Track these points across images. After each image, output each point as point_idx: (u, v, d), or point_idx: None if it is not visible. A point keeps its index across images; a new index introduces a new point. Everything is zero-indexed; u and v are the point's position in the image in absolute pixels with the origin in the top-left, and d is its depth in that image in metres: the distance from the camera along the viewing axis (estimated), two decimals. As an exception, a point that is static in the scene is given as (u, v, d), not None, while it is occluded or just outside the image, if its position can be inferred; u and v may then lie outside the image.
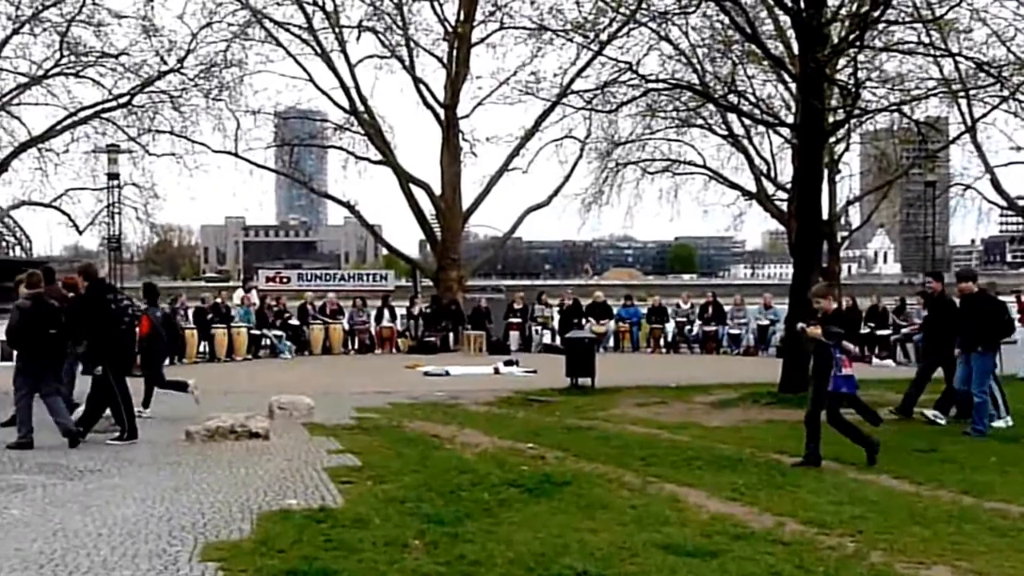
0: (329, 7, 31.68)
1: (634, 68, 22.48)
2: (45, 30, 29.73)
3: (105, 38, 30.19)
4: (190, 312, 26.11)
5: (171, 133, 32.34)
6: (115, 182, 32.94)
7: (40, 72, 30.22)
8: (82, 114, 31.49)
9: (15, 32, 29.40)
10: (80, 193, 33.66)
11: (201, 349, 25.93)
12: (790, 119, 27.50)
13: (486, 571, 6.63)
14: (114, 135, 32.41)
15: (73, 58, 30.32)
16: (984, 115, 33.23)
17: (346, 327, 28.88)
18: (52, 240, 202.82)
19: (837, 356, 10.92)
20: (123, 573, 6.64)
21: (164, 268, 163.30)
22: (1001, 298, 25.99)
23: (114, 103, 31.57)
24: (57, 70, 30.35)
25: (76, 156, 32.72)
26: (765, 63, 25.24)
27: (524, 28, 31.12)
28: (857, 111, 20.39)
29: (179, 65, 30.96)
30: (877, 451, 10.97)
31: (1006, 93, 26.51)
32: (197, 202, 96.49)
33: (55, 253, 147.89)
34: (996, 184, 37.11)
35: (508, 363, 23.44)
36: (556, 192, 36.28)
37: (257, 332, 26.90)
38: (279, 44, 31.97)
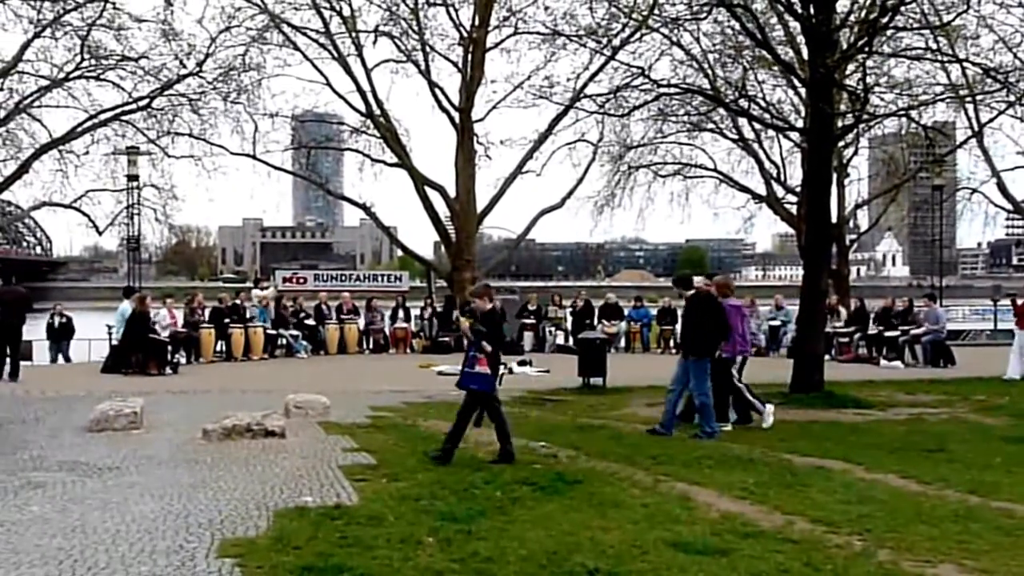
0: (346, 12, 31.78)
1: (646, 73, 22.54)
2: (66, 34, 29.72)
3: (125, 42, 30.20)
4: (207, 312, 26.13)
5: (190, 135, 32.40)
6: (134, 183, 33.06)
7: (61, 75, 30.17)
8: (102, 117, 31.42)
9: (36, 36, 29.39)
10: (100, 194, 33.53)
11: (218, 349, 25.96)
12: (800, 123, 27.44)
13: (499, 568, 6.61)
14: (134, 137, 32.49)
15: (94, 61, 30.26)
16: (991, 120, 33.35)
17: (361, 327, 28.93)
18: (72, 241, 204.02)
19: (471, 354, 10.96)
20: (141, 569, 6.64)
21: (182, 268, 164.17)
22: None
23: (134, 106, 31.53)
24: (78, 73, 30.29)
25: (96, 158, 32.69)
26: (775, 68, 25.24)
27: (538, 33, 31.19)
28: (866, 116, 20.38)
29: (198, 69, 30.96)
30: (447, 460, 10.63)
31: (1012, 98, 26.39)
32: (215, 203, 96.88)
33: (75, 253, 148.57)
34: (1002, 188, 37.07)
35: (521, 363, 23.40)
36: (569, 194, 36.37)
37: (273, 332, 26.93)
38: (297, 48, 32.06)
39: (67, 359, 26.65)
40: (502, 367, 11.55)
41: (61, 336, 26.99)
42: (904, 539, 7.53)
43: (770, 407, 14.30)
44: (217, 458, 11.02)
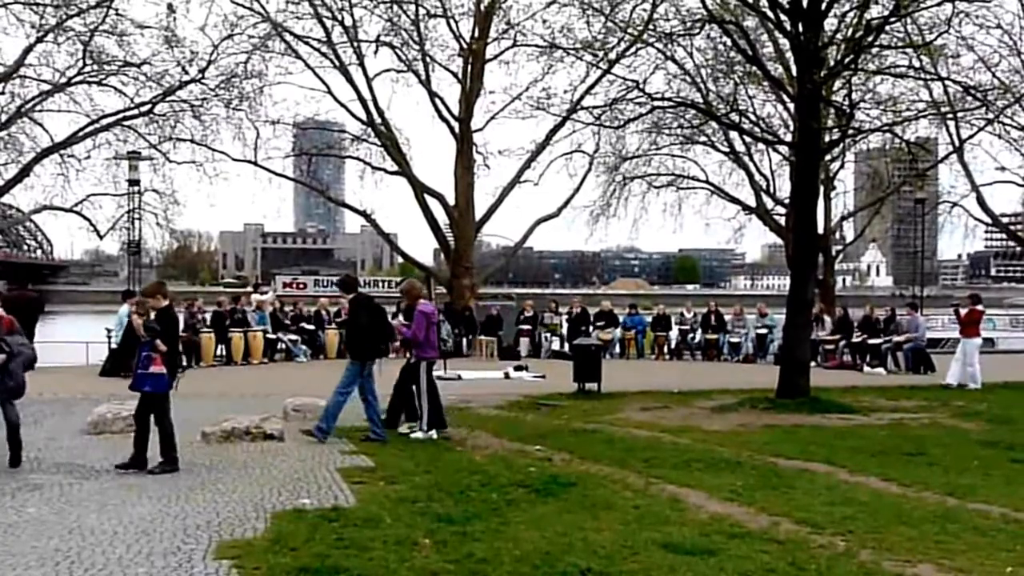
0: (348, 22, 31.67)
1: (641, 86, 22.61)
2: (69, 39, 29.29)
3: (128, 48, 29.81)
4: (207, 316, 26.04)
5: (192, 141, 31.99)
6: (136, 188, 32.72)
7: (63, 80, 29.77)
8: (104, 121, 31.10)
9: (39, 40, 28.95)
10: (101, 199, 33.08)
11: (218, 352, 25.81)
12: (788, 137, 27.43)
13: (493, 569, 6.64)
14: (135, 142, 32.14)
15: (96, 67, 29.87)
16: (971, 136, 33.44)
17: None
18: (73, 244, 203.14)
19: (144, 354, 10.46)
20: (138, 570, 6.63)
21: (183, 273, 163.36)
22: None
23: (136, 111, 31.19)
24: (80, 78, 29.89)
25: (98, 162, 32.40)
26: (765, 84, 25.30)
27: (536, 46, 31.09)
28: (851, 131, 20.42)
29: (200, 75, 30.66)
30: (141, 465, 10.33)
31: (991, 116, 26.60)
32: (216, 209, 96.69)
33: (76, 257, 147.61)
34: (982, 202, 37.12)
35: (518, 368, 23.42)
36: (566, 204, 36.29)
37: (273, 336, 26.86)
38: (298, 57, 31.88)
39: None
40: (179, 371, 11.02)
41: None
42: (885, 539, 7.58)
43: (434, 433, 13.18)
44: (215, 461, 11.03)
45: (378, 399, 13.06)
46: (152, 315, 10.72)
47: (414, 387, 13.51)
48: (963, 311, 22.42)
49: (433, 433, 13.13)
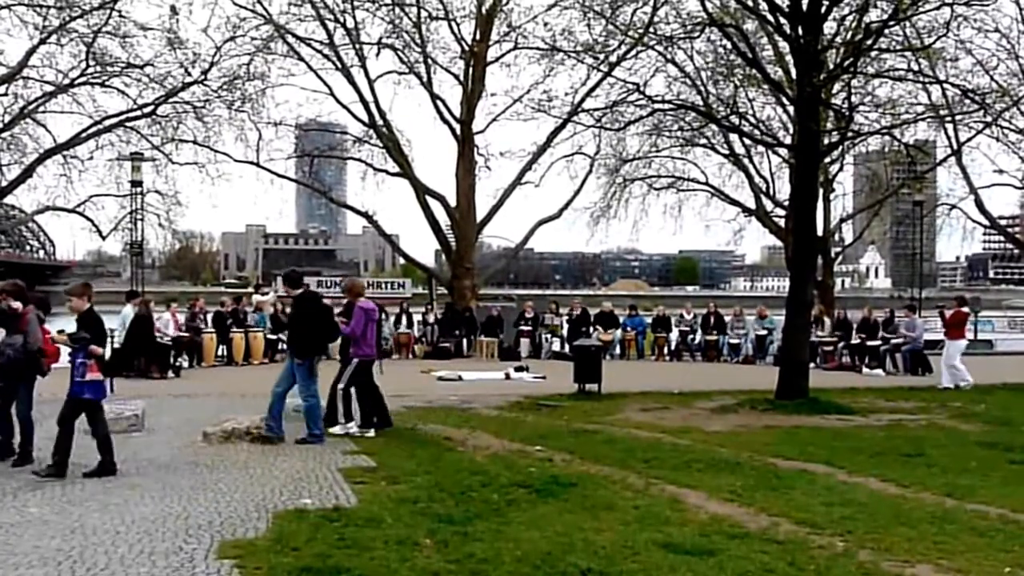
0: (350, 24, 31.71)
1: (641, 89, 22.66)
2: (72, 40, 29.24)
3: (131, 49, 29.77)
4: (209, 316, 26.01)
5: (194, 143, 31.97)
6: (138, 189, 32.65)
7: (66, 81, 29.67)
8: (107, 123, 31.08)
9: (42, 42, 28.86)
10: (104, 199, 33.03)
11: (219, 353, 25.80)
12: (788, 140, 27.51)
13: (494, 569, 6.63)
14: (138, 143, 32.11)
15: (99, 68, 29.83)
16: (969, 139, 33.47)
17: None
18: (75, 245, 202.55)
19: (80, 361, 10.01)
20: (140, 570, 6.61)
21: (185, 274, 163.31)
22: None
23: (138, 112, 31.17)
24: (83, 79, 29.82)
25: (100, 163, 32.35)
26: (765, 87, 25.30)
27: (537, 49, 31.27)
28: (850, 133, 20.41)
29: (203, 77, 30.62)
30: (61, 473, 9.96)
31: (989, 119, 26.70)
32: (219, 210, 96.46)
33: (78, 257, 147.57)
34: (980, 204, 37.17)
35: (519, 369, 23.40)
36: (566, 205, 36.33)
37: (274, 336, 26.80)
38: (301, 59, 31.91)
39: None
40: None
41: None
42: (884, 540, 7.57)
43: (353, 427, 13.26)
44: (217, 461, 11.01)
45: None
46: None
47: (341, 387, 13.49)
48: (948, 312, 22.45)
49: (370, 431, 13.15)
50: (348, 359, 13.60)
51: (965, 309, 22.62)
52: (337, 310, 14.27)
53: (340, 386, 13.45)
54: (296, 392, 12.85)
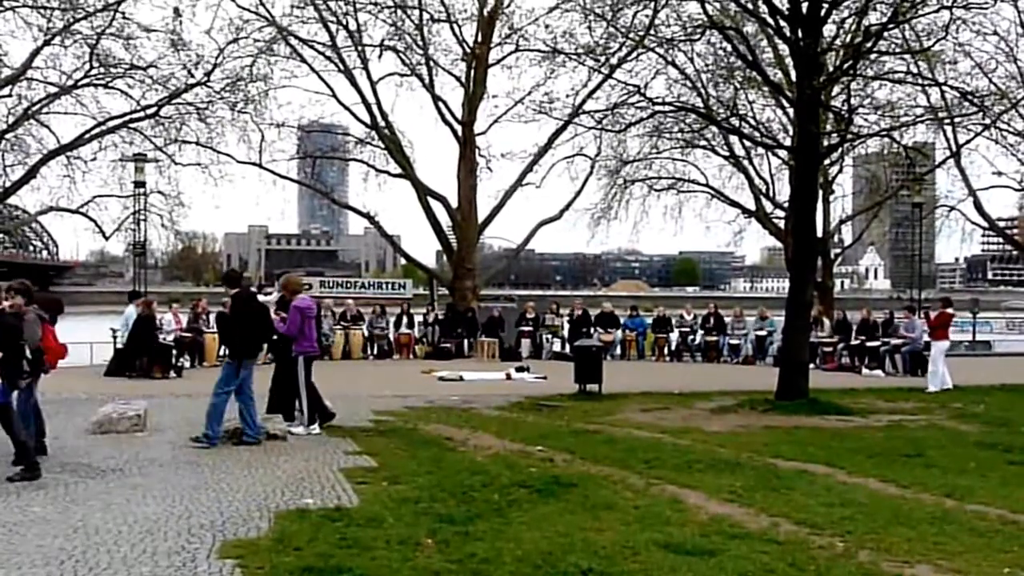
0: (352, 26, 31.83)
1: (642, 91, 22.62)
2: (76, 42, 29.24)
3: (134, 51, 29.75)
4: (211, 317, 25.92)
5: (197, 144, 31.90)
6: (141, 190, 32.40)
7: (70, 82, 29.59)
8: (110, 124, 31.02)
9: (46, 43, 28.80)
10: (107, 200, 32.84)
11: (222, 353, 25.71)
12: (788, 142, 27.52)
13: (495, 569, 6.61)
14: (141, 144, 31.96)
15: (102, 69, 29.77)
16: (968, 141, 33.47)
17: (366, 333, 28.83)
18: (78, 245, 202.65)
19: None
20: (142, 570, 6.59)
21: (187, 274, 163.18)
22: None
23: (142, 114, 31.10)
24: (86, 81, 29.77)
25: (103, 164, 32.18)
26: (765, 89, 25.33)
27: (538, 51, 31.35)
28: (850, 135, 20.42)
29: (206, 78, 30.61)
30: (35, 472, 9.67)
31: (988, 121, 26.71)
32: (221, 210, 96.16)
33: (81, 258, 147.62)
34: (979, 206, 37.14)
35: (519, 369, 23.40)
36: (567, 207, 36.33)
37: (276, 336, 26.66)
38: (303, 60, 32.00)
39: None
40: (24, 375, 10.21)
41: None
42: (883, 540, 7.56)
43: (315, 428, 13.18)
44: (219, 460, 11.00)
45: (254, 399, 12.79)
46: None
47: (303, 386, 13.40)
48: (934, 314, 22.49)
49: (315, 428, 13.12)
50: (289, 357, 13.55)
51: (950, 310, 22.64)
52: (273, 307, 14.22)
53: (301, 386, 13.33)
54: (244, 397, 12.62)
